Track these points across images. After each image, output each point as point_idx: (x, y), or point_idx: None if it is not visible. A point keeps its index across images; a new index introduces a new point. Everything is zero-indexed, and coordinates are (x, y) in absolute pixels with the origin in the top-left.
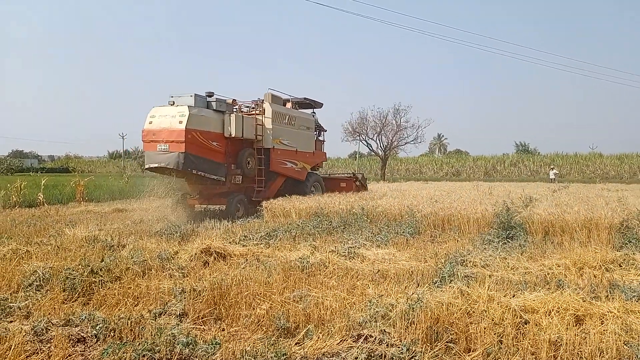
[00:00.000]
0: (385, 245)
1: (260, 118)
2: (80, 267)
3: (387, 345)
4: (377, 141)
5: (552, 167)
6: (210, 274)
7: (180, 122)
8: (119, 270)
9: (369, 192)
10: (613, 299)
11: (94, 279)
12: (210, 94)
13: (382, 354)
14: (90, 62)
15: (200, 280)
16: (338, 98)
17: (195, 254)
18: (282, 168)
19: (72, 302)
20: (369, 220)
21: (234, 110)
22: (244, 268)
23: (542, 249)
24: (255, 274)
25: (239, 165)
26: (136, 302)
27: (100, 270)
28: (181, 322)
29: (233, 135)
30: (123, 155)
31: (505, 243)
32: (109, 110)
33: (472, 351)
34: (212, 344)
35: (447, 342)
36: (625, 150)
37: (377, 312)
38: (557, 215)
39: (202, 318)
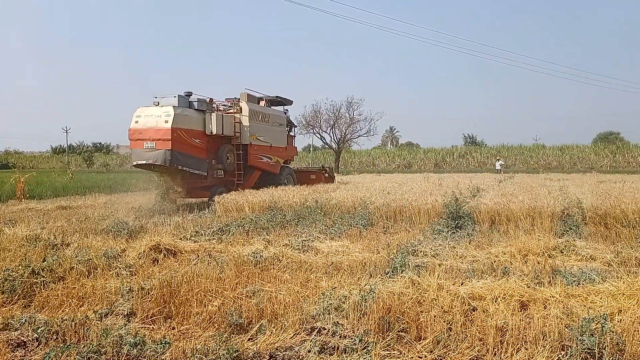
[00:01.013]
0: (339, 237)
1: (238, 116)
2: (20, 267)
3: (340, 337)
4: (331, 134)
5: (498, 158)
6: (159, 272)
7: (166, 122)
8: (63, 270)
9: (335, 182)
10: (555, 284)
11: (35, 280)
12: (189, 94)
13: (335, 346)
14: (32, 52)
15: (149, 279)
16: (290, 90)
17: (144, 251)
18: (258, 162)
19: (12, 304)
20: (322, 213)
21: (213, 109)
22: (195, 264)
23: (489, 237)
24: (206, 270)
25: (219, 160)
26: (81, 303)
27: (42, 270)
28: (129, 322)
29: (214, 133)
30: (67, 150)
31: (454, 232)
32: (53, 103)
33: (423, 339)
34: (161, 343)
35: (398, 331)
36: (566, 141)
37: (330, 304)
38: (503, 204)
39: (151, 317)
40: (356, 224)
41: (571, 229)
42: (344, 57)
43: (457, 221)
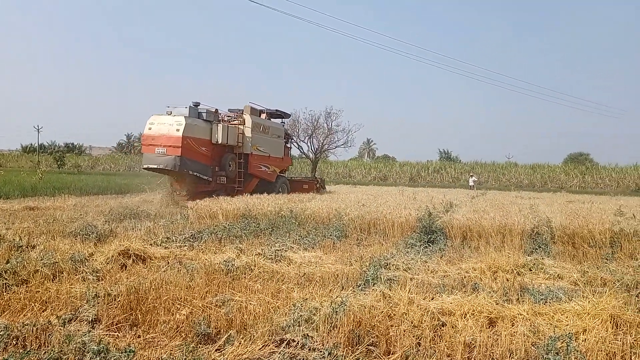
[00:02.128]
0: (313, 248)
1: (241, 127)
2: None
3: (310, 349)
4: (309, 144)
5: (471, 174)
6: (127, 278)
7: (178, 130)
8: (27, 273)
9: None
10: (523, 301)
11: None
12: (197, 104)
13: (304, 359)
14: (3, 49)
15: (116, 284)
16: (270, 98)
17: (113, 256)
18: (257, 171)
19: None
20: (297, 223)
21: (219, 119)
22: (164, 271)
23: (460, 252)
24: (176, 277)
25: (222, 167)
26: (44, 308)
27: (5, 272)
28: (93, 328)
29: (219, 142)
30: (38, 150)
31: (427, 247)
32: (25, 101)
33: (392, 354)
34: (125, 351)
35: (368, 345)
36: (538, 160)
37: (301, 316)
38: (475, 220)
39: (116, 324)
40: (330, 235)
41: (540, 247)
42: (324, 67)
43: (429, 235)
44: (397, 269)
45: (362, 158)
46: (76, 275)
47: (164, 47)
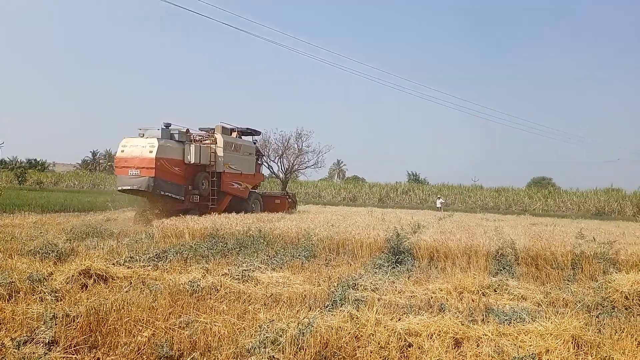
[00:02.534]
0: (281, 268)
1: (213, 147)
2: None
3: None
4: (279, 164)
5: (439, 196)
6: (87, 298)
7: (151, 152)
8: None
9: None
10: (488, 322)
11: None
12: (168, 125)
13: None
14: None
15: (75, 305)
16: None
17: (73, 275)
18: (230, 188)
19: None
20: (265, 243)
21: (191, 139)
22: (126, 292)
23: (427, 273)
24: (139, 298)
25: (195, 186)
26: None
27: None
28: (50, 351)
29: (192, 162)
30: None
31: (395, 267)
32: None
33: None
34: None
35: None
36: (503, 184)
37: (267, 337)
38: (442, 242)
39: (74, 346)
40: (299, 255)
41: (504, 268)
42: (293, 87)
43: (397, 256)
44: (365, 289)
45: (332, 179)
46: (33, 295)
47: (130, 64)
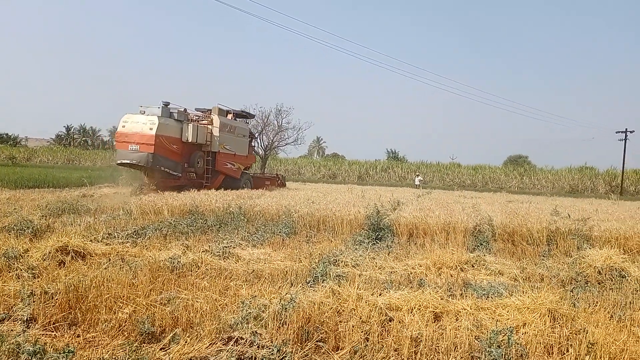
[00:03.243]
0: (261, 245)
1: (210, 127)
2: None
3: (258, 347)
4: (258, 140)
5: (417, 174)
6: (66, 275)
7: (151, 129)
8: None
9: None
10: (466, 296)
11: None
12: (167, 103)
13: (252, 356)
14: None
15: (53, 282)
16: (218, 93)
17: (50, 252)
18: (224, 168)
19: None
20: (245, 220)
21: (189, 119)
22: (105, 269)
23: (406, 249)
24: (118, 275)
25: (191, 164)
26: None
27: None
28: (28, 328)
29: (189, 141)
30: None
31: (375, 244)
32: None
33: (341, 349)
34: (64, 352)
35: (317, 341)
36: (480, 161)
37: (249, 313)
38: (421, 218)
39: (53, 324)
40: (279, 232)
41: (482, 244)
42: (274, 63)
43: (377, 233)
44: (346, 265)
45: (312, 156)
46: (9, 272)
47: (107, 36)
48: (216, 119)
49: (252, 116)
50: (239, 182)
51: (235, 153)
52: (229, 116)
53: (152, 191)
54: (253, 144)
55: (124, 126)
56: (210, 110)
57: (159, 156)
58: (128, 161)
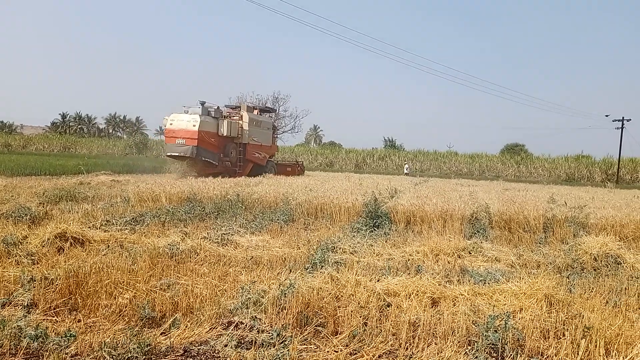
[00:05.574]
0: (260, 232)
1: (240, 122)
2: None
3: (258, 331)
4: None
5: (405, 162)
6: (65, 261)
7: (194, 125)
8: None
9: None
10: (464, 282)
11: None
12: (203, 102)
13: (252, 340)
14: None
15: (53, 268)
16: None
17: (49, 239)
18: (253, 157)
19: None
20: (243, 207)
21: (223, 115)
22: (105, 255)
23: (404, 236)
24: (118, 261)
25: (226, 154)
26: None
27: None
28: (29, 313)
29: (224, 134)
30: None
31: (372, 231)
32: None
33: (339, 334)
34: (65, 336)
35: (316, 326)
36: (477, 150)
37: (249, 298)
38: (418, 206)
39: (54, 309)
40: (277, 219)
41: (479, 231)
42: (271, 50)
43: (375, 220)
44: (344, 252)
45: (309, 144)
46: (9, 258)
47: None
48: (245, 115)
49: (274, 111)
50: (265, 169)
51: (262, 144)
52: (255, 112)
53: (193, 177)
54: (275, 135)
55: (171, 124)
56: (239, 107)
57: (201, 148)
58: (176, 154)
